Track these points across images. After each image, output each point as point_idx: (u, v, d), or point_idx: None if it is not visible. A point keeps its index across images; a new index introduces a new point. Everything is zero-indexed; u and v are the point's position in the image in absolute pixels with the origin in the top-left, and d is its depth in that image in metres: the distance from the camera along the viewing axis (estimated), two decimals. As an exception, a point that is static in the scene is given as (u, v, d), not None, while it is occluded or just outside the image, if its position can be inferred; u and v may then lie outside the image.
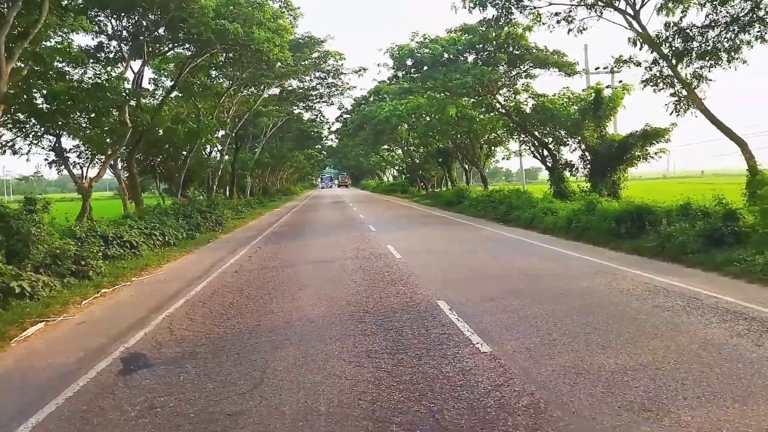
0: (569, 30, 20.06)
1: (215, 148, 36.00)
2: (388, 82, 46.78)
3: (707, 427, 4.13)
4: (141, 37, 21.32)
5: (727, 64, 13.39)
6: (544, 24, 19.89)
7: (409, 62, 27.19)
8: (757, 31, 12.40)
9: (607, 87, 25.09)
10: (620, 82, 25.84)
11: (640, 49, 15.83)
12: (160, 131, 25.46)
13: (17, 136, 19.41)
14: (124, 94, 17.71)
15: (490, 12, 18.42)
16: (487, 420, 4.38)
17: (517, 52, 25.51)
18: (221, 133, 35.50)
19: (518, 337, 6.52)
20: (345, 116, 57.42)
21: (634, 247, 13.61)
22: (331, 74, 41.17)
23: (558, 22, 19.89)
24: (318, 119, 53.33)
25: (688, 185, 27.60)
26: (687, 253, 12.04)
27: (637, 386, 4.90)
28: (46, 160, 21.05)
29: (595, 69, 27.71)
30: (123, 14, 20.23)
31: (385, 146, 69.11)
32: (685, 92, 14.42)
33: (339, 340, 6.76)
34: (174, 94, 26.15)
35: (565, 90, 27.50)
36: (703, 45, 13.30)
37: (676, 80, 14.46)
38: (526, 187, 34.89)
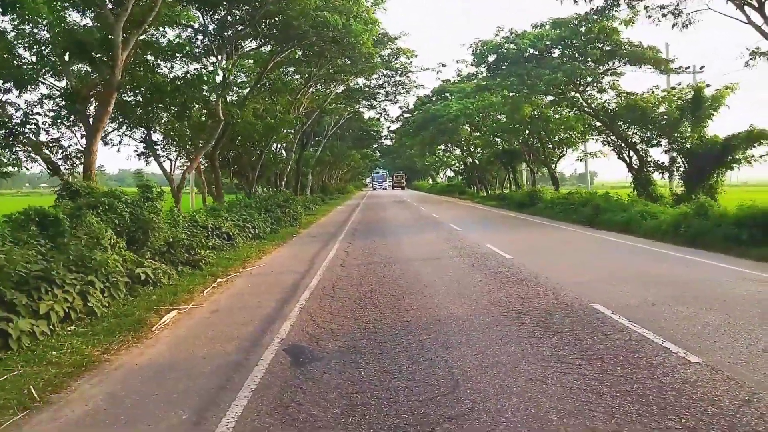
0: (674, 24, 19.05)
1: (281, 146, 36.25)
2: (461, 78, 46.36)
3: None
4: (226, 33, 21.42)
5: None
6: (649, 17, 18.93)
7: (491, 58, 26.44)
8: None
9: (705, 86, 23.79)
10: (701, 82, 24.50)
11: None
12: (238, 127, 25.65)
13: (111, 129, 19.86)
14: (218, 88, 17.69)
15: (597, 2, 17.53)
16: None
17: (607, 48, 24.43)
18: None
19: (720, 347, 5.85)
20: (406, 115, 57.08)
21: (762, 254, 12.48)
22: (399, 72, 40.72)
23: (664, 15, 18.91)
24: (381, 118, 52.91)
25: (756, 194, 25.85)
26: (833, 262, 10.99)
27: None
28: (135, 151, 21.40)
29: (686, 68, 26.54)
30: (212, 8, 20.34)
31: (441, 146, 68.39)
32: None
33: (511, 342, 6.25)
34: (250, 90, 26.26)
35: (654, 88, 26.33)
36: None
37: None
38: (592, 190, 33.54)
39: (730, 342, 6.01)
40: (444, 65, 56.24)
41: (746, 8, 16.48)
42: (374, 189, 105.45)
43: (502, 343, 6.24)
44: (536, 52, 25.43)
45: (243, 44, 23.90)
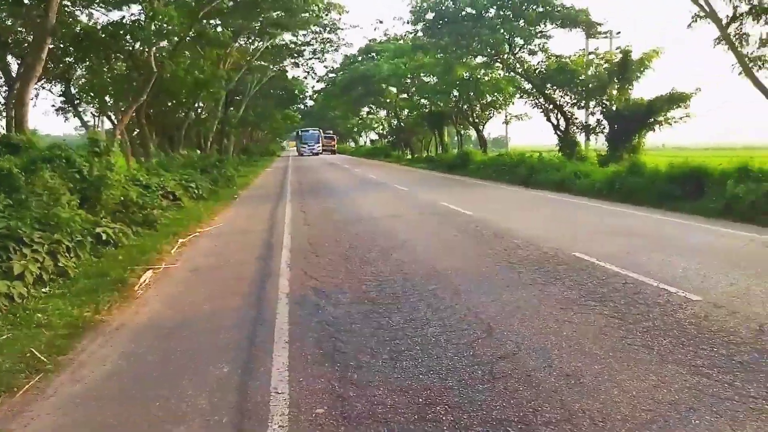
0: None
1: (203, 105, 34.52)
2: (389, 39, 45.86)
3: None
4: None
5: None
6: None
7: (429, 16, 26.32)
8: None
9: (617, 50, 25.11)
10: (618, 48, 25.87)
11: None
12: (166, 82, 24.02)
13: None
14: (153, 36, 16.38)
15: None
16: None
17: (540, 10, 25.01)
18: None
19: (710, 287, 6.36)
20: (331, 75, 56.00)
21: (695, 208, 13.44)
22: (328, 28, 39.60)
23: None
24: (309, 76, 51.59)
25: (684, 156, 28.12)
26: (759, 214, 12.09)
27: None
28: (53, 106, 19.63)
29: (616, 33, 27.79)
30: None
31: (365, 108, 67.96)
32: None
33: (520, 289, 6.47)
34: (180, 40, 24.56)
35: (585, 52, 27.41)
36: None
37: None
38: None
39: (715, 283, 6.54)
40: (381, 22, 55.42)
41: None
42: (301, 154, 72.09)
43: (512, 290, 6.43)
44: (473, 12, 25.56)
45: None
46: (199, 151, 32.97)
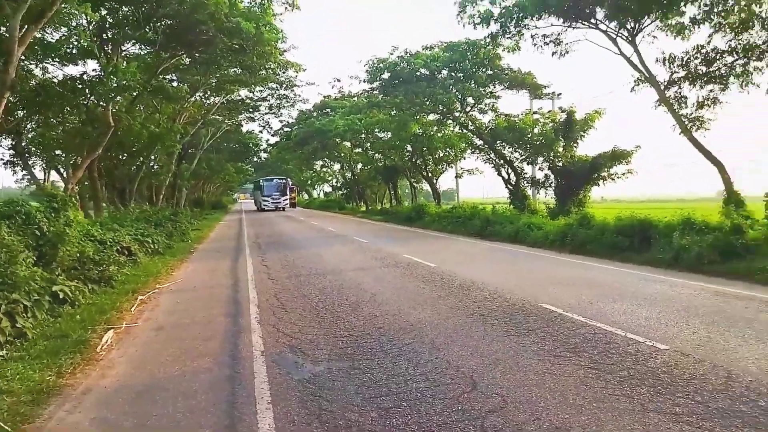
0: (554, 52, 21.08)
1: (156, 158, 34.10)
2: (344, 95, 46.96)
3: None
4: (106, 34, 19.66)
5: (741, 88, 14.62)
6: (535, 45, 20.76)
7: (385, 75, 27.25)
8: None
9: (560, 110, 26.65)
10: (560, 108, 27.56)
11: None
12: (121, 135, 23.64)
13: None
14: (111, 92, 16.24)
15: (493, 28, 18.98)
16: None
17: (490, 72, 26.38)
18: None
19: (673, 336, 6.64)
20: (286, 129, 56.50)
21: (645, 259, 14.08)
22: (285, 85, 40.23)
23: (546, 43, 20.84)
24: (264, 130, 51.90)
25: (626, 208, 29.56)
26: (703, 264, 12.75)
27: None
28: (1, 159, 18.95)
29: (558, 94, 29.45)
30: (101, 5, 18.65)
31: (320, 161, 68.52)
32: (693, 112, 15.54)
33: (496, 341, 6.56)
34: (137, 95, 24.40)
35: (530, 111, 28.88)
36: (718, 70, 14.48)
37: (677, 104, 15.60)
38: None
39: (678, 331, 6.83)
40: (338, 80, 56.47)
41: (618, 40, 18.80)
42: (262, 208, 59.75)
43: (488, 342, 6.51)
44: (427, 72, 26.66)
45: (124, 47, 22.14)
46: (149, 205, 32.28)
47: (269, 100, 42.76)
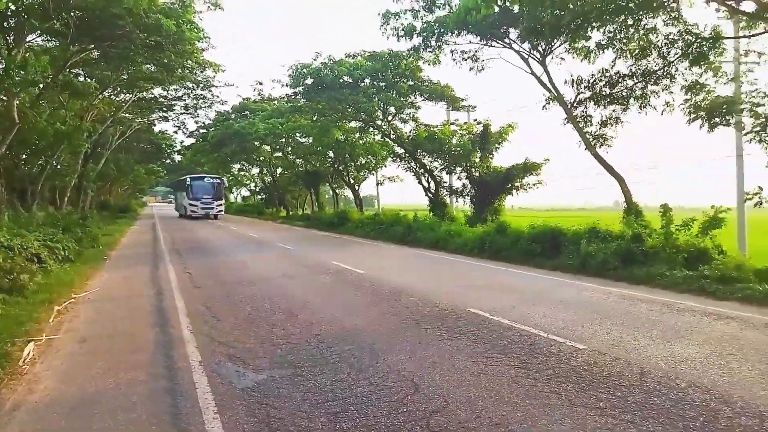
0: (471, 68, 22.05)
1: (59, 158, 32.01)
2: (263, 98, 46.25)
3: None
4: (8, 23, 18.33)
5: (640, 109, 16.03)
6: (454, 60, 21.62)
7: (308, 81, 27.24)
8: (665, 84, 15.17)
9: (476, 122, 27.96)
10: (475, 120, 29.03)
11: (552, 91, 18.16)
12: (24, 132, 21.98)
13: None
14: (17, 85, 15.13)
15: (415, 41, 19.58)
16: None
17: (411, 83, 27.10)
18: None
19: (590, 336, 7.27)
20: (202, 131, 54.81)
21: (555, 265, 15.13)
22: (201, 85, 39.00)
23: (465, 59, 21.76)
24: (180, 131, 49.98)
25: (533, 216, 31.38)
26: (608, 269, 13.89)
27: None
28: None
29: (473, 107, 30.72)
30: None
31: (237, 165, 66.95)
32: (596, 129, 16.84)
33: (431, 345, 6.88)
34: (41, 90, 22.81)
35: (447, 122, 29.93)
36: (619, 92, 15.82)
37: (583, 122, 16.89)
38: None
39: (593, 332, 7.48)
40: (261, 83, 55.26)
41: (530, 60, 20.02)
42: (188, 215, 47.59)
43: (423, 346, 6.82)
44: (350, 80, 26.95)
45: (27, 39, 20.66)
46: (53, 208, 30.18)
47: (185, 100, 41.27)
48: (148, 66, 26.23)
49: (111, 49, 21.34)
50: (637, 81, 15.66)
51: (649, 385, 5.31)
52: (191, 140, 58.66)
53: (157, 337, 7.68)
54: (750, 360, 6.18)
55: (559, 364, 6.04)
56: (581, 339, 7.07)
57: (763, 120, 13.14)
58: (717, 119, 13.52)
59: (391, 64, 26.30)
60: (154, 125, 48.51)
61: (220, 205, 48.53)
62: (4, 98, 16.36)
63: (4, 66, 15.81)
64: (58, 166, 31.72)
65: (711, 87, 14.90)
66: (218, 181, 49.64)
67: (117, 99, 34.78)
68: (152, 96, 39.06)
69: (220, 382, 5.67)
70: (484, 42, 20.89)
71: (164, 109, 42.71)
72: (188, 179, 48.18)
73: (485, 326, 7.79)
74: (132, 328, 8.24)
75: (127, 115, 39.62)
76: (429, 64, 23.33)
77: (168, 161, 73.76)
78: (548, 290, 11.14)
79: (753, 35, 13.25)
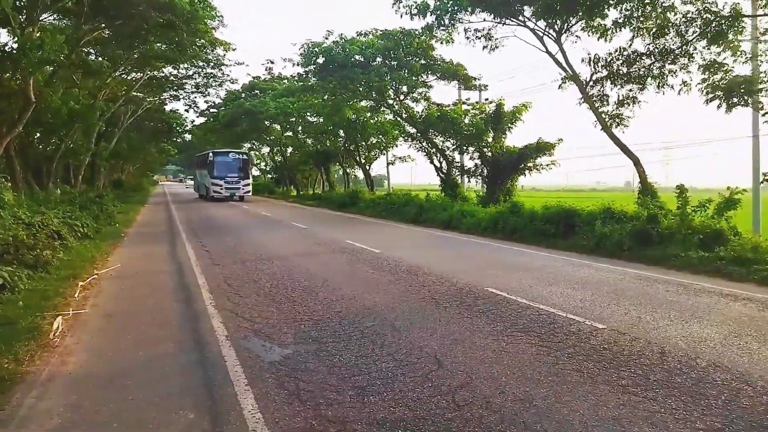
0: (485, 46, 21.84)
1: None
2: (273, 77, 46.14)
3: None
4: (20, 1, 18.31)
5: (657, 89, 15.88)
6: (467, 38, 21.41)
7: (320, 60, 27.12)
8: (682, 63, 15.01)
9: (487, 101, 27.78)
10: (486, 99, 28.89)
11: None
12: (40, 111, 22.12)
13: None
14: (32, 65, 15.16)
15: (429, 19, 19.42)
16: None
17: (423, 62, 26.90)
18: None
19: (608, 316, 7.36)
20: (212, 110, 54.79)
21: (569, 245, 15.15)
22: (212, 64, 38.91)
23: (478, 37, 21.54)
24: (191, 110, 50.00)
25: (543, 197, 31.27)
26: (623, 250, 13.89)
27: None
28: None
29: (485, 86, 30.47)
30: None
31: (247, 144, 67.01)
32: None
33: (452, 322, 6.99)
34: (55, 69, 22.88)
35: (459, 101, 29.74)
36: (636, 71, 15.66)
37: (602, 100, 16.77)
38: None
39: (611, 312, 7.56)
40: (272, 62, 54.88)
41: (545, 38, 19.80)
42: (209, 195, 42.82)
43: (443, 324, 6.93)
44: (362, 59, 26.79)
45: (37, 16, 20.63)
46: (67, 186, 30.49)
47: (196, 79, 41.27)
48: (160, 45, 26.24)
49: (123, 28, 21.36)
50: (654, 60, 15.49)
51: (670, 364, 5.40)
52: (202, 119, 58.62)
53: (182, 311, 7.85)
54: (769, 340, 6.24)
55: (579, 342, 6.14)
56: (600, 319, 7.15)
57: (784, 100, 13.01)
58: (735, 99, 13.39)
59: (403, 42, 26.08)
60: (165, 104, 48.53)
61: (247, 185, 42.92)
62: (18, 78, 16.44)
63: (18, 45, 15.85)
64: (72, 145, 32.02)
65: (729, 66, 14.73)
66: (245, 157, 44.71)
67: (128, 78, 34.85)
68: (163, 75, 39.04)
69: (248, 355, 5.81)
70: (499, 20, 20.63)
71: (175, 88, 42.73)
72: (210, 155, 42.63)
73: (504, 305, 7.89)
74: (156, 304, 8.42)
75: (138, 94, 39.70)
76: (442, 43, 23.18)
77: (179, 140, 74.09)
78: (564, 270, 11.21)
79: (775, 14, 13.05)
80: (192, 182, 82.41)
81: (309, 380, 5.11)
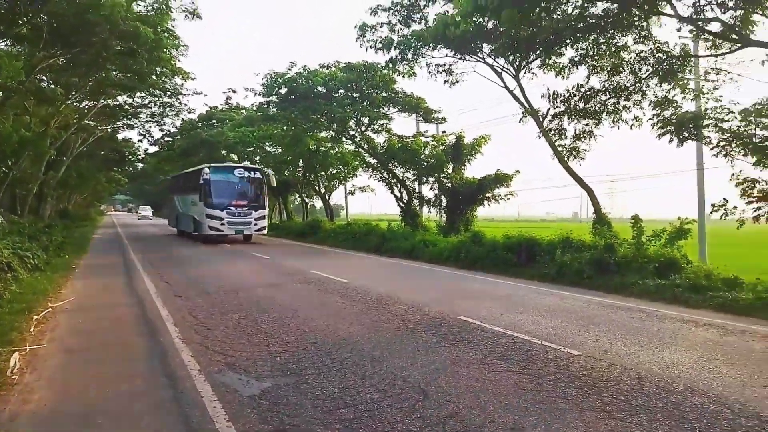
0: (446, 81, 22.42)
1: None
2: (231, 107, 45.87)
3: None
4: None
5: (612, 123, 16.60)
6: (429, 72, 21.93)
7: (282, 90, 27.16)
8: (636, 99, 15.79)
9: (444, 133, 28.47)
10: (443, 132, 29.66)
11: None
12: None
13: None
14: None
15: (393, 53, 19.82)
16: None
17: (385, 95, 27.35)
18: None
19: (582, 342, 7.47)
20: (167, 139, 53.78)
21: (531, 274, 15.42)
22: (169, 93, 38.39)
23: (440, 72, 22.10)
24: (143, 139, 48.91)
25: (498, 227, 31.94)
26: (584, 278, 14.25)
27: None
28: None
29: (442, 118, 31.18)
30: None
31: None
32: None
33: (430, 352, 6.95)
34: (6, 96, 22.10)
35: (419, 133, 30.29)
36: (592, 106, 16.37)
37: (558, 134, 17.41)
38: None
39: (583, 339, 7.69)
40: (234, 91, 54.25)
41: (504, 74, 20.50)
42: (207, 231, 27.10)
43: (422, 353, 6.88)
44: (325, 91, 27.02)
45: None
46: (14, 216, 29.09)
47: (151, 108, 40.62)
48: (117, 72, 25.76)
49: (81, 56, 20.87)
50: (609, 96, 16.23)
51: (649, 389, 5.51)
52: (155, 148, 57.42)
53: (148, 346, 7.52)
54: (736, 364, 6.47)
55: (558, 369, 6.20)
56: (574, 345, 7.26)
57: (728, 135, 13.78)
58: (686, 134, 14.12)
59: (365, 75, 26.51)
60: (118, 133, 47.43)
61: (262, 217, 28.48)
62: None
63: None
64: (19, 174, 30.72)
65: (678, 103, 15.59)
66: (256, 174, 29.30)
67: (81, 106, 33.99)
68: (118, 103, 38.26)
69: (225, 390, 5.60)
70: (459, 56, 21.26)
71: (129, 116, 41.89)
72: (206, 172, 27.73)
73: (479, 333, 7.92)
74: (119, 338, 8.04)
75: (90, 122, 38.74)
76: (404, 77, 23.59)
77: (130, 169, 72.16)
78: (531, 298, 11.37)
79: (719, 54, 13.92)
80: (144, 213, 78.27)
81: (293, 414, 4.95)
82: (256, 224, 27.98)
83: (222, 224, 26.94)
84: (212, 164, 28.94)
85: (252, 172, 29.50)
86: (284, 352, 7.02)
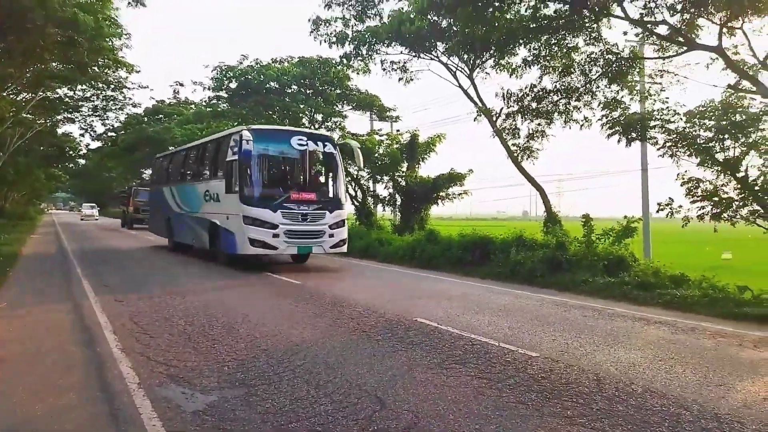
0: (400, 78, 22.34)
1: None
2: (179, 102, 44.43)
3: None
4: None
5: (564, 123, 16.81)
6: (384, 69, 21.77)
7: (233, 84, 26.40)
8: (586, 100, 16.04)
9: (398, 132, 28.41)
10: (397, 130, 29.69)
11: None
12: None
13: None
14: None
15: (347, 48, 19.54)
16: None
17: (339, 92, 26.99)
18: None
19: (538, 343, 7.40)
20: (111, 134, 51.68)
21: (486, 273, 15.50)
22: (113, 86, 36.74)
23: (394, 69, 21.98)
24: (85, 134, 46.74)
25: (450, 225, 32.23)
26: (536, 276, 14.39)
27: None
28: None
29: (396, 117, 31.09)
30: None
31: (148, 170, 63.70)
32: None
33: (387, 357, 6.71)
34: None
35: (373, 131, 30.06)
36: (545, 106, 16.53)
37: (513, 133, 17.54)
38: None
39: (540, 340, 7.63)
40: (182, 85, 52.42)
41: (458, 73, 20.55)
42: (242, 250, 15.07)
43: (379, 359, 6.63)
44: (277, 86, 26.44)
45: None
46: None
47: (94, 101, 38.82)
48: (56, 64, 24.43)
49: (16, 45, 19.57)
50: (561, 97, 16.43)
51: (608, 392, 5.44)
52: (98, 143, 55.06)
53: (84, 356, 6.97)
54: (690, 363, 6.52)
55: (517, 373, 6.07)
56: (531, 346, 7.18)
57: (674, 136, 14.15)
58: (633, 134, 14.40)
59: (320, 71, 26.09)
60: (58, 127, 45.19)
61: (339, 223, 16.23)
62: None
63: None
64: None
65: (626, 104, 15.93)
66: (329, 148, 16.93)
67: (18, 99, 32.13)
68: (57, 96, 36.38)
69: (167, 405, 5.18)
70: (414, 54, 21.19)
71: (70, 110, 39.96)
72: (246, 137, 14.75)
73: (436, 336, 7.74)
74: (54, 347, 7.43)
75: (28, 116, 36.74)
76: (359, 73, 23.40)
77: (71, 166, 69.03)
78: (486, 298, 11.33)
79: (666, 57, 14.27)
80: (89, 212, 64.39)
81: (241, 430, 4.61)
82: (332, 235, 15.89)
83: (275, 235, 14.98)
84: (252, 126, 16.41)
85: (323, 143, 16.92)
86: (233, 360, 6.63)
